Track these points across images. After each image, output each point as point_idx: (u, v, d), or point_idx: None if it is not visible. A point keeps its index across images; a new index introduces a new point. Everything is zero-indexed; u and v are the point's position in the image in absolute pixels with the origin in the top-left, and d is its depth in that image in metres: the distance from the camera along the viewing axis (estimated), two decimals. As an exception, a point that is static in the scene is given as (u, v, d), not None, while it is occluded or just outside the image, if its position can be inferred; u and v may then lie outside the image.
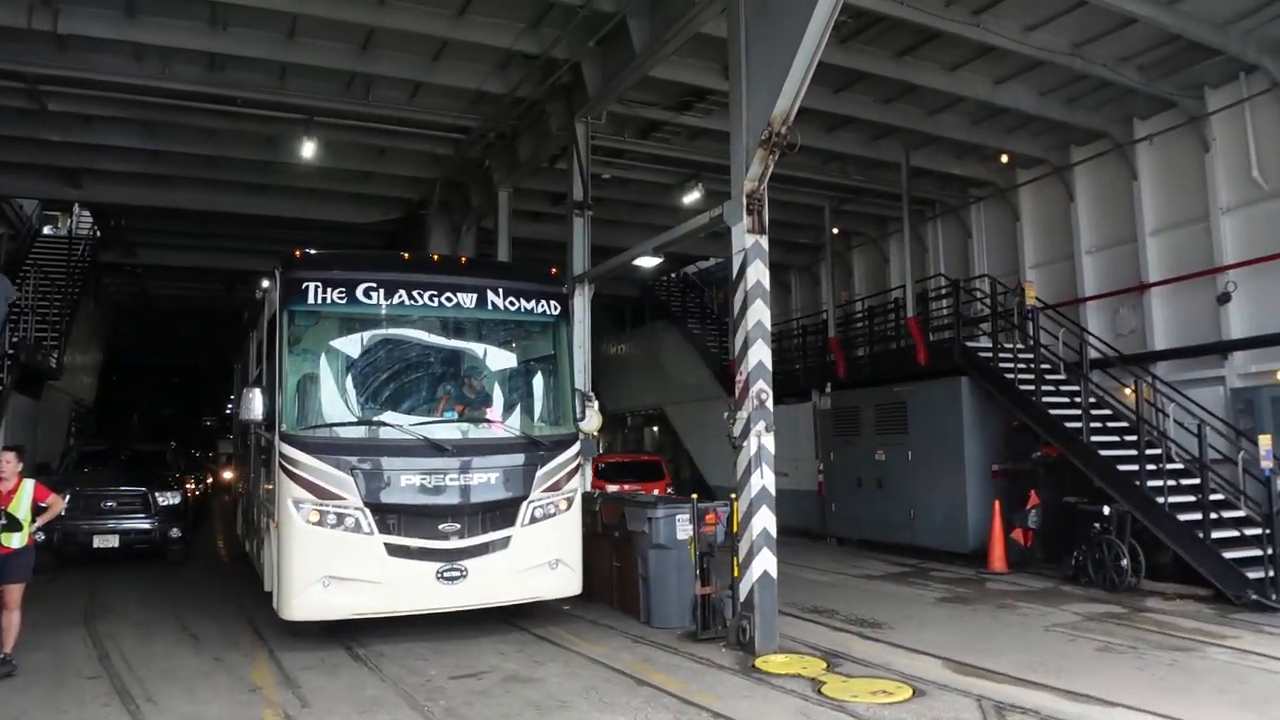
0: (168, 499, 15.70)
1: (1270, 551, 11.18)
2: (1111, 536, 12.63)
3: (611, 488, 17.76)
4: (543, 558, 9.97)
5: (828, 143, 17.29)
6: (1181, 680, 8.14)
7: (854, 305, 22.61)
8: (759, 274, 9.40)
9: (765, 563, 9.11)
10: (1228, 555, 11.63)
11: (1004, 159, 18.41)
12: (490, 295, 10.38)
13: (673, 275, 29.97)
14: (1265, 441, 11.83)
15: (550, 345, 11.04)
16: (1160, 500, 12.41)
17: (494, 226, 17.76)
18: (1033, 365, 15.05)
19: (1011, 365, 15.29)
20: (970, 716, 7.01)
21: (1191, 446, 13.01)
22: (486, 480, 9.72)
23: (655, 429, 32.24)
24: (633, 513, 10.78)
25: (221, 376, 31.09)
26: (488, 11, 13.03)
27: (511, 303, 10.51)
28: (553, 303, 10.82)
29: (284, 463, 9.33)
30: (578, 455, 10.63)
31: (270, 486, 10.12)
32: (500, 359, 10.85)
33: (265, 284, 11.14)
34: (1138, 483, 12.71)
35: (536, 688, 7.95)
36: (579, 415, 10.80)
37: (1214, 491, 12.42)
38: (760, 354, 9.32)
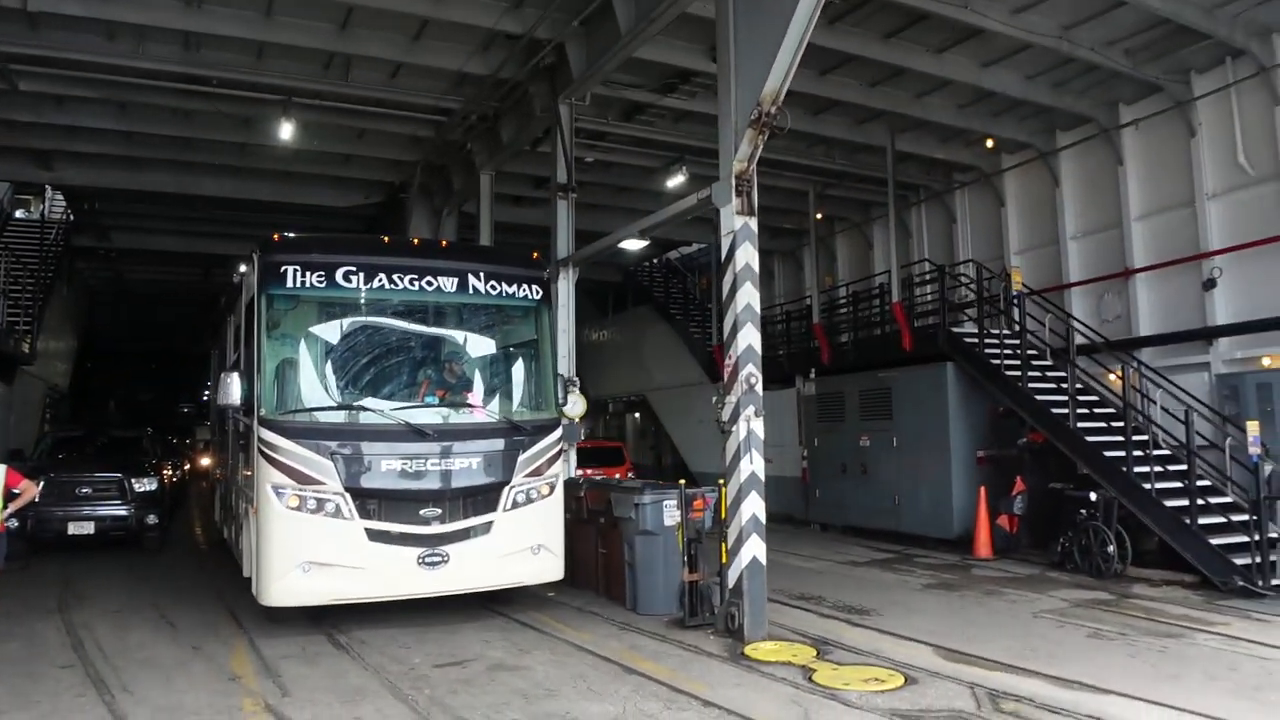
0: (144, 485, 15.46)
1: (1257, 537, 11.15)
2: (1098, 523, 12.58)
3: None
4: (525, 543, 9.91)
5: (813, 126, 17.14)
6: (1172, 667, 8.08)
7: (838, 290, 22.53)
8: (748, 256, 9.26)
9: (754, 549, 9.00)
10: (1214, 541, 11.59)
11: (989, 143, 18.33)
12: (471, 279, 10.28)
13: (655, 261, 29.81)
14: (1253, 428, 11.81)
15: (532, 330, 10.93)
16: (1147, 486, 12.37)
17: (476, 210, 17.54)
18: (1019, 351, 14.99)
19: (998, 351, 15.21)
20: (964, 704, 6.92)
21: (1177, 432, 13.00)
22: (468, 465, 9.65)
23: (637, 415, 32.15)
24: (619, 498, 10.65)
25: (199, 362, 30.76)
26: (469, -10, 12.83)
27: (493, 287, 10.42)
28: (534, 287, 10.73)
29: (263, 448, 9.21)
30: (560, 440, 10.55)
31: (249, 472, 9.99)
32: (482, 343, 10.74)
33: (243, 268, 10.94)
34: (1124, 468, 12.67)
35: (523, 676, 7.82)
36: (561, 400, 10.73)
37: (1200, 477, 12.39)
38: (749, 337, 9.19)
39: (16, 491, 8.60)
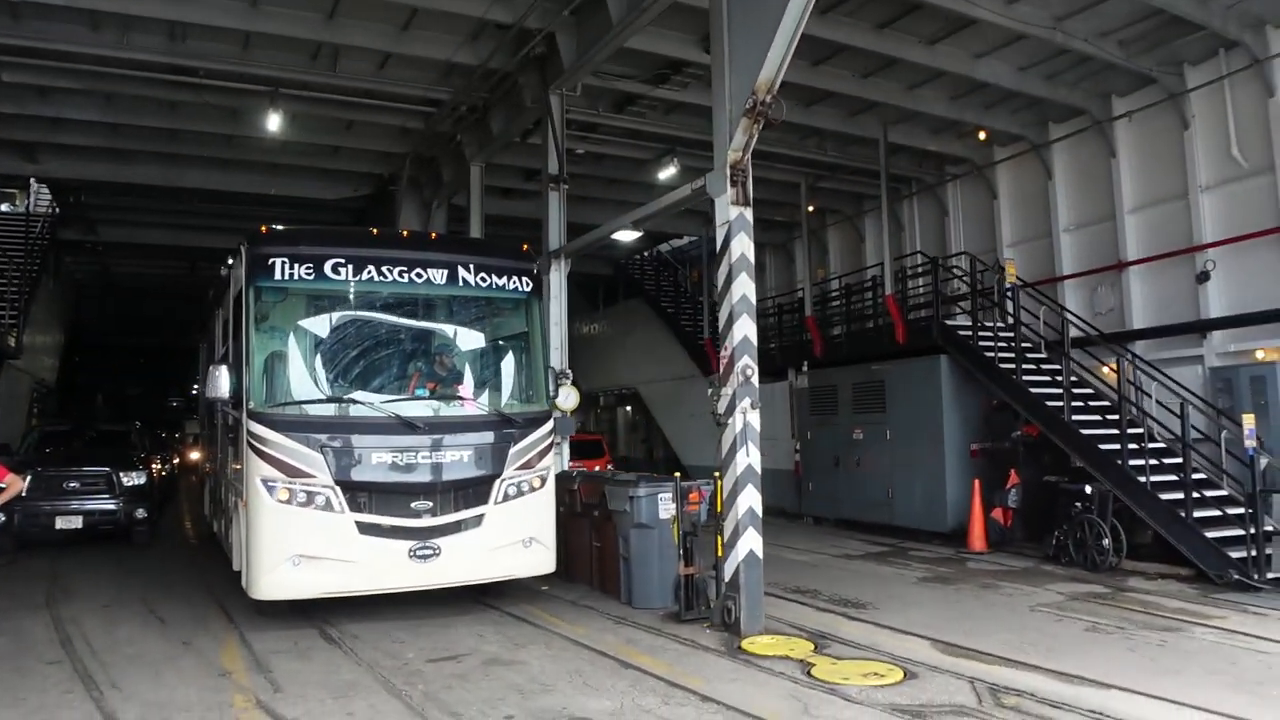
0: (133, 479, 15.36)
1: (1253, 531, 11.12)
2: (1093, 516, 12.55)
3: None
4: (516, 536, 9.86)
5: (805, 118, 17.04)
6: (1172, 661, 8.03)
7: (830, 284, 22.47)
8: (743, 247, 9.17)
9: (751, 542, 8.92)
10: (1209, 534, 11.57)
11: (982, 136, 18.30)
12: (461, 271, 10.23)
13: (645, 254, 29.72)
14: (1249, 421, 11.78)
15: (523, 322, 10.85)
16: (1142, 479, 12.34)
17: (466, 203, 17.43)
18: (1013, 344, 14.94)
19: (991, 344, 15.15)
20: (965, 699, 6.84)
21: (1170, 425, 12.96)
22: (459, 458, 9.61)
23: (629, 408, 32.06)
24: (614, 491, 10.56)
25: (187, 356, 30.56)
26: (459, -21, 12.69)
27: (483, 279, 10.36)
28: (525, 279, 10.66)
29: (252, 441, 9.13)
30: (551, 433, 10.50)
31: (238, 465, 9.89)
32: (472, 336, 10.65)
33: (231, 260, 10.84)
34: (1119, 462, 12.63)
35: (518, 671, 7.72)
36: (552, 393, 10.69)
37: (1195, 471, 12.35)
38: (745, 329, 9.10)
39: (2, 486, 8.44)
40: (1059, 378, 14.08)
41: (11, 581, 11.59)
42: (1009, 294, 16.39)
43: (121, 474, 15.17)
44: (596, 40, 12.74)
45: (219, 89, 15.14)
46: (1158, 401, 13.75)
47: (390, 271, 9.86)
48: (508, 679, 7.47)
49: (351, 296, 9.85)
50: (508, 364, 10.78)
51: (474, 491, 9.62)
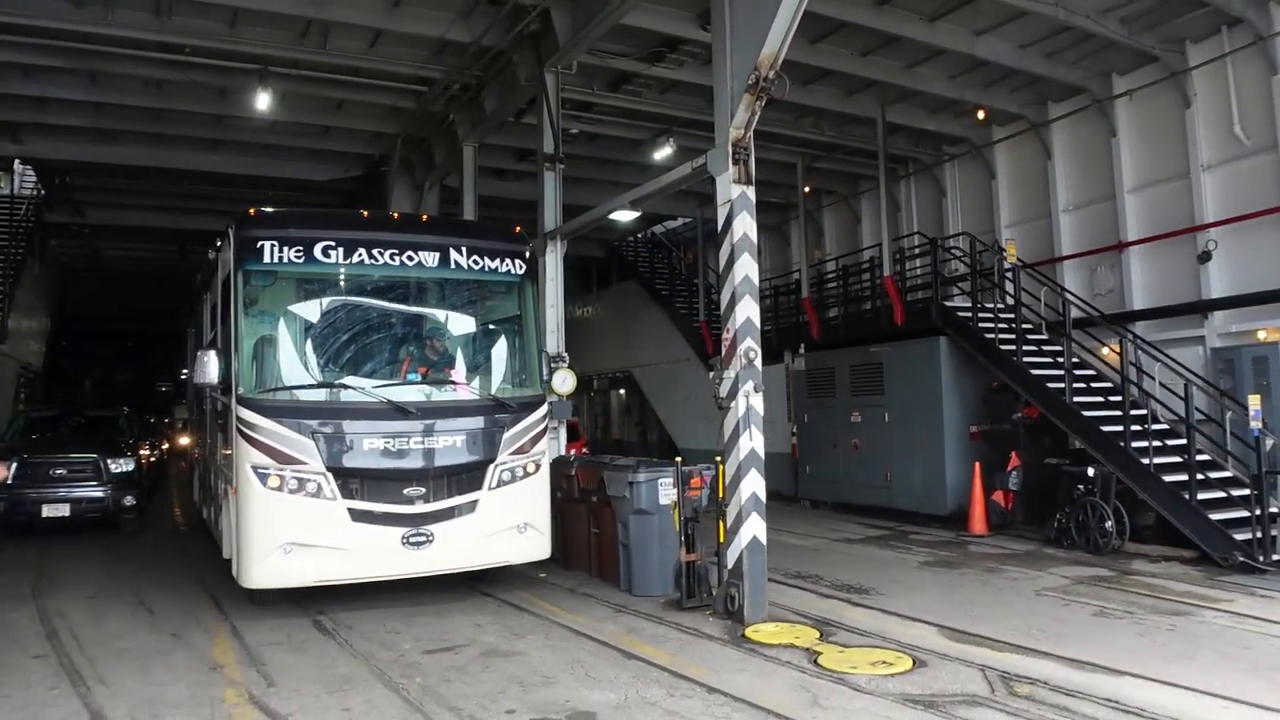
0: (121, 466, 15.12)
1: (1258, 512, 10.99)
2: (1095, 498, 12.41)
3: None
4: (511, 522, 9.76)
5: (802, 97, 16.74)
6: (1183, 646, 7.89)
7: (826, 265, 22.26)
8: (746, 226, 8.96)
9: (755, 528, 8.75)
10: (1214, 516, 11.45)
11: (980, 115, 18.07)
12: (453, 254, 10.09)
13: (639, 235, 29.45)
14: (1254, 402, 11.65)
15: (516, 305, 10.71)
16: (1145, 461, 12.20)
17: (458, 184, 17.11)
18: (1013, 325, 14.76)
19: (991, 325, 14.97)
20: (977, 688, 6.68)
21: (1172, 406, 12.82)
22: (452, 443, 9.49)
23: (622, 392, 31.84)
24: (612, 477, 10.37)
25: (176, 340, 30.30)
26: (451, -47, 12.41)
27: (475, 261, 10.22)
28: (518, 261, 10.50)
29: (242, 427, 8.98)
30: (545, 417, 10.36)
31: (228, 452, 9.71)
32: (464, 319, 10.51)
33: (219, 243, 10.62)
34: (1122, 443, 12.49)
35: (518, 662, 7.54)
36: (545, 376, 10.58)
37: (1199, 452, 12.21)
38: (748, 310, 8.90)
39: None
40: (1060, 359, 13.92)
41: (-3, 571, 11.38)
42: (1009, 275, 16.19)
43: (109, 461, 14.95)
44: (592, 16, 12.47)
45: (207, 67, 14.79)
46: (1161, 384, 13.60)
47: (381, 254, 9.72)
48: (507, 671, 7.29)
49: (342, 280, 9.73)
50: (501, 348, 10.62)
51: (467, 477, 9.51)
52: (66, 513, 14.43)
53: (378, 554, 9.04)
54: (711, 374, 9.29)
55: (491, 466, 9.63)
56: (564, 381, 12.05)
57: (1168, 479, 12.02)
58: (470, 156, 16.82)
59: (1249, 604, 9.36)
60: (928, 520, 15.41)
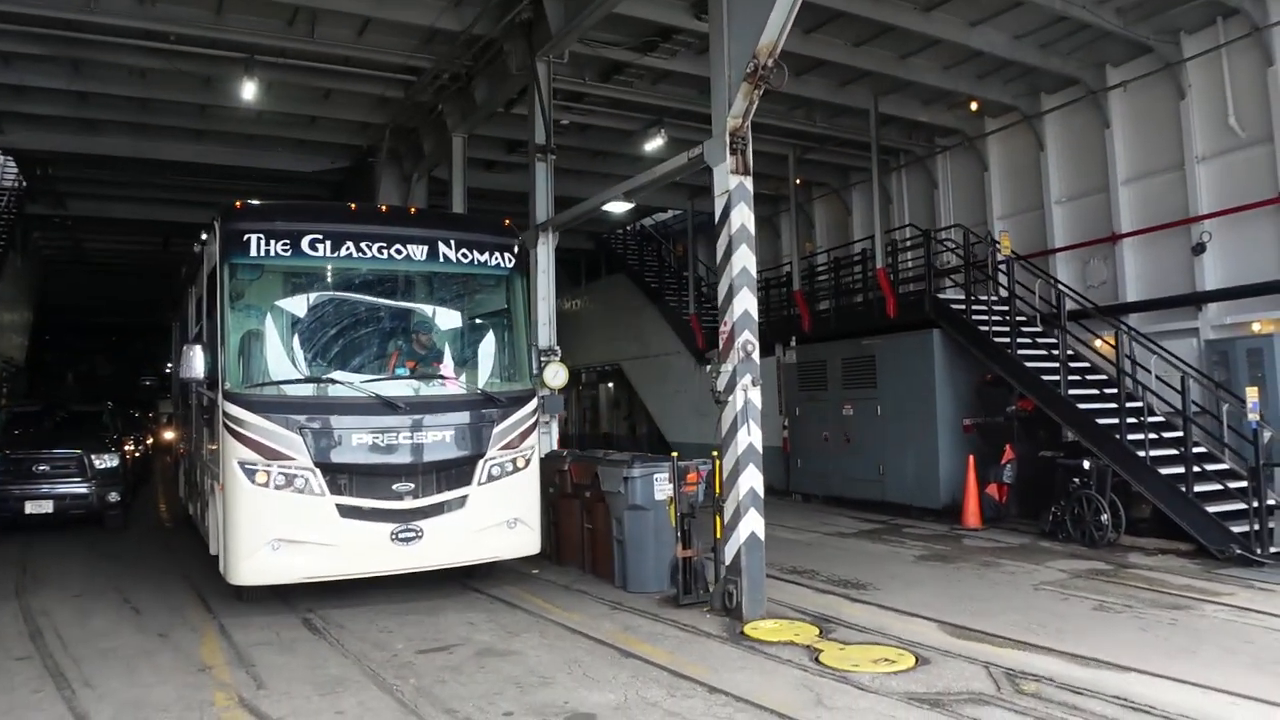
0: (105, 462, 14.92)
1: (1255, 505, 10.94)
2: (1091, 491, 12.33)
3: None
4: (500, 517, 9.68)
5: (794, 88, 16.54)
6: (1185, 640, 7.81)
7: (817, 257, 22.14)
8: (743, 217, 8.83)
9: (753, 524, 8.64)
10: (1210, 509, 11.38)
11: (973, 106, 17.96)
12: (442, 247, 9.96)
13: (629, 228, 29.28)
14: (1252, 394, 11.57)
15: (505, 299, 10.58)
16: (1141, 454, 12.14)
17: (447, 176, 16.93)
18: (1007, 317, 14.67)
19: (985, 317, 14.88)
20: (982, 686, 6.57)
21: (1167, 398, 12.75)
22: (441, 438, 9.40)
23: (610, 385, 31.72)
24: (607, 472, 10.22)
25: (161, 334, 29.98)
26: (441, -60, 12.20)
27: (464, 254, 10.09)
28: (507, 254, 10.40)
29: (228, 422, 8.84)
30: (535, 412, 10.27)
31: (214, 447, 9.56)
32: (453, 313, 10.45)
33: (204, 236, 10.45)
34: (1118, 436, 12.41)
35: (514, 662, 7.39)
36: (535, 370, 10.49)
37: (1195, 444, 12.15)
38: (746, 302, 8.78)
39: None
40: (1054, 352, 13.83)
41: (-21, 569, 11.17)
42: (1002, 267, 16.10)
43: (93, 456, 14.76)
44: (585, 5, 12.27)
45: (192, 55, 14.53)
46: (1157, 376, 13.54)
47: (369, 247, 9.58)
48: (503, 671, 7.14)
49: (329, 273, 9.61)
50: (490, 342, 10.55)
51: (456, 472, 9.42)
52: (50, 509, 14.26)
53: (366, 550, 8.94)
54: (709, 368, 9.17)
55: (481, 461, 9.53)
56: (556, 375, 11.92)
57: (1164, 471, 11.96)
58: (459, 147, 16.64)
59: (1249, 597, 9.29)
60: (921, 514, 15.32)
